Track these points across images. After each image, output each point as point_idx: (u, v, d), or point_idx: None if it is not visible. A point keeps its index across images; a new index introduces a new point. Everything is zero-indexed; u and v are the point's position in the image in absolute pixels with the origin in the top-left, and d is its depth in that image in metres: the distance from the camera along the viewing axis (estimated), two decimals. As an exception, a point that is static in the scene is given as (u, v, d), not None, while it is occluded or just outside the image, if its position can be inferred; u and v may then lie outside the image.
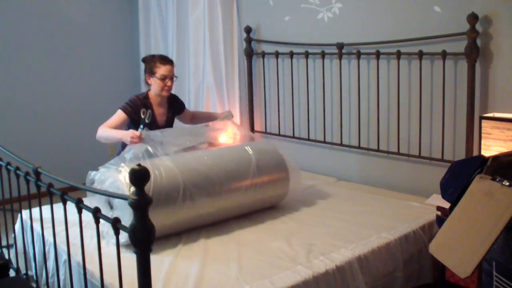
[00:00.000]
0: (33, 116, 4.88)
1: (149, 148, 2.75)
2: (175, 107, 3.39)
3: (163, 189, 2.49)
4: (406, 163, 3.40)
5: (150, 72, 3.19)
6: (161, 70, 3.15)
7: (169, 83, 3.17)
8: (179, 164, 2.64)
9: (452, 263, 1.75)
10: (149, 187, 2.43)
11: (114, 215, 2.33)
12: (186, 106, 3.53)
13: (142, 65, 3.23)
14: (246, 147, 2.99)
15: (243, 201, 2.82)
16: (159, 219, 2.39)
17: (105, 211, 2.46)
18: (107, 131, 3.05)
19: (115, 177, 2.50)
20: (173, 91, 3.30)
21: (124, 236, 2.18)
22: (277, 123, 4.25)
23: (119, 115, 3.12)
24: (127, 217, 1.92)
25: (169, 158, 2.70)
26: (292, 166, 3.02)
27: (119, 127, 3.11)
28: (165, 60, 3.20)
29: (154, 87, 3.19)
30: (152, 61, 3.19)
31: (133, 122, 3.14)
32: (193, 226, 2.67)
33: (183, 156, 2.79)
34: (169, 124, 3.34)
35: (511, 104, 2.82)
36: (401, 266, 2.53)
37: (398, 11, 3.30)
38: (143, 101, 3.18)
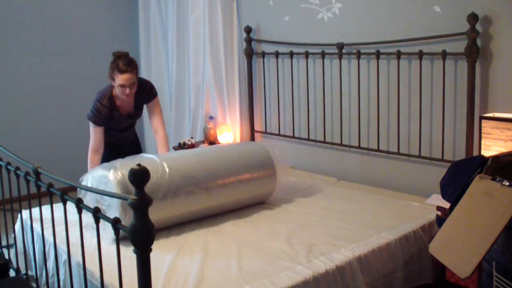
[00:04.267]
0: (33, 116, 4.88)
1: None
2: (143, 94, 3.22)
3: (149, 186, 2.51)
4: (406, 163, 3.39)
5: (110, 76, 3.05)
6: (119, 79, 2.98)
7: (127, 91, 3.01)
8: (165, 162, 2.68)
9: (452, 263, 1.75)
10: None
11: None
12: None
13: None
14: (230, 146, 3.07)
15: (228, 199, 2.87)
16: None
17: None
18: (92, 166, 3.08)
19: (104, 173, 2.53)
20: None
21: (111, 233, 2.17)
22: (277, 123, 4.25)
23: (96, 130, 3.13)
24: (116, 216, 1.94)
25: (155, 156, 2.75)
26: (279, 164, 3.05)
27: (102, 138, 3.15)
28: (123, 69, 2.96)
29: (115, 88, 3.09)
30: (113, 66, 3.01)
31: (108, 121, 3.15)
32: (176, 223, 2.72)
33: (169, 155, 2.86)
34: (133, 112, 3.24)
35: (511, 104, 2.82)
36: (401, 266, 2.53)
37: (398, 11, 3.30)
38: (107, 105, 3.10)
